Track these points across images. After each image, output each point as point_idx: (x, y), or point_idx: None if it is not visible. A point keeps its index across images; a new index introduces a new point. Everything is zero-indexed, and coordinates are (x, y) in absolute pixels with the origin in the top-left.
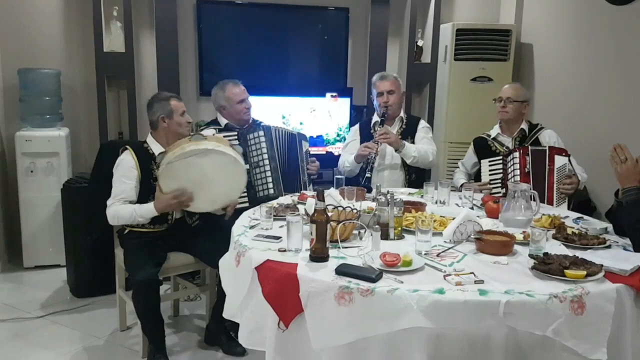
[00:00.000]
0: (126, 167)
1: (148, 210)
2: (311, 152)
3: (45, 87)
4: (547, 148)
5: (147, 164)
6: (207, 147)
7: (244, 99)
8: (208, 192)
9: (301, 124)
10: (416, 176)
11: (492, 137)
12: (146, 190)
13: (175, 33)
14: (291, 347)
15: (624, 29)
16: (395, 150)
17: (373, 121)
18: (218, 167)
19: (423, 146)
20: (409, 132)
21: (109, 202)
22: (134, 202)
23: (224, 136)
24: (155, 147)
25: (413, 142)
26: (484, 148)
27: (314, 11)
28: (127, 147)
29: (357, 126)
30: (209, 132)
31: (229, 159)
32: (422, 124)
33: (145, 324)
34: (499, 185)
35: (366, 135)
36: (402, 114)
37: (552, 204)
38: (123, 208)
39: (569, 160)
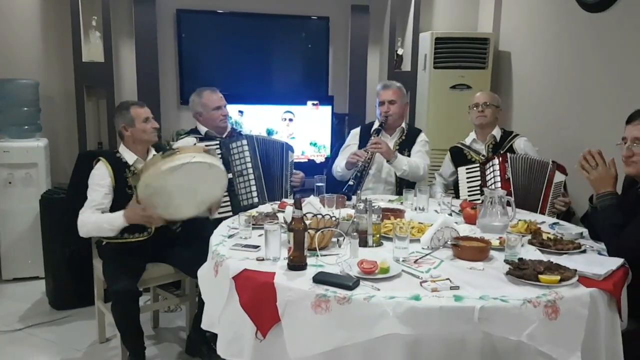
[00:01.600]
0: (100, 176)
1: (117, 218)
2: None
3: (24, 97)
4: (550, 161)
5: (121, 172)
6: (182, 162)
7: (221, 106)
8: (192, 199)
9: (276, 132)
10: (407, 187)
11: (467, 144)
12: (121, 198)
13: (155, 42)
14: (269, 357)
15: (600, 36)
16: (387, 161)
17: (373, 128)
18: (197, 176)
19: (416, 160)
20: (407, 144)
21: (80, 212)
22: (106, 211)
23: (206, 145)
24: (128, 155)
25: (409, 155)
26: (460, 156)
27: (295, 20)
28: (100, 158)
29: (357, 130)
30: (189, 140)
31: (205, 166)
32: (422, 137)
33: (124, 336)
34: (478, 192)
35: (365, 141)
36: (403, 124)
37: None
38: (91, 216)
39: (565, 181)
